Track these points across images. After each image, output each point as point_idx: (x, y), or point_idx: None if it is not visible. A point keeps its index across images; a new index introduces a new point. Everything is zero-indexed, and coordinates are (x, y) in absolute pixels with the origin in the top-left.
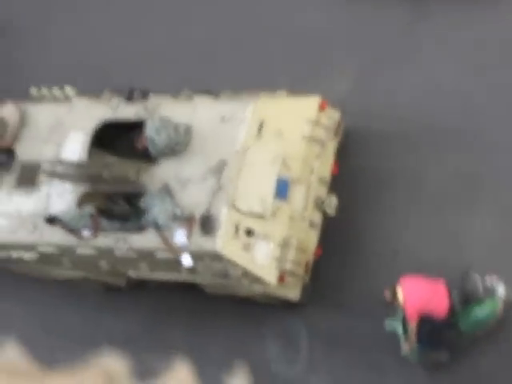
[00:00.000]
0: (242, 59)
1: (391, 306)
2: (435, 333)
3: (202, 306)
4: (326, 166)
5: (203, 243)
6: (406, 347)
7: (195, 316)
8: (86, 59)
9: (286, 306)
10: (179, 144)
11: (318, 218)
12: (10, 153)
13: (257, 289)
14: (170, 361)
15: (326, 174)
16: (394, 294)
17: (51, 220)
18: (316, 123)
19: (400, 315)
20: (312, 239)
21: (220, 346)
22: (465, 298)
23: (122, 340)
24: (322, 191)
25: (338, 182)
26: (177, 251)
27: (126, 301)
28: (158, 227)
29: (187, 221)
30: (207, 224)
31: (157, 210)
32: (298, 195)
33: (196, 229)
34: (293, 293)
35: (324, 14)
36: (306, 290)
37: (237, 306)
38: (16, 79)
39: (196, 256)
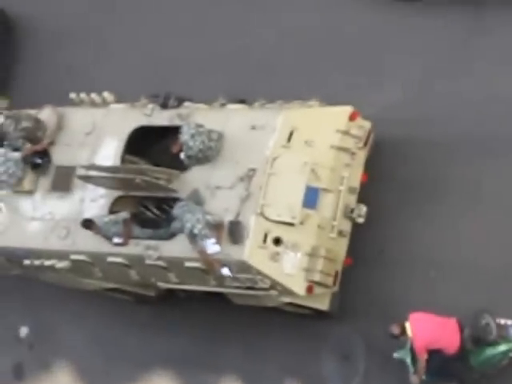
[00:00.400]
0: (285, 68)
1: (399, 339)
2: (445, 365)
3: (249, 320)
4: (355, 175)
5: (231, 252)
6: (415, 379)
7: (243, 331)
8: (137, 65)
9: (315, 315)
10: (212, 150)
11: (347, 226)
12: (45, 155)
13: (285, 299)
14: (221, 380)
15: (355, 183)
16: (403, 329)
17: (87, 224)
18: (345, 133)
19: (409, 346)
20: (341, 248)
21: (272, 363)
22: (477, 338)
23: (170, 358)
24: (352, 200)
25: (373, 191)
26: (215, 264)
27: (169, 315)
28: (194, 237)
29: (217, 228)
30: (235, 232)
31: (189, 220)
32: (327, 204)
33: (224, 236)
34: (322, 303)
35: (373, 23)
36: (336, 299)
37: (286, 318)
38: (73, 82)
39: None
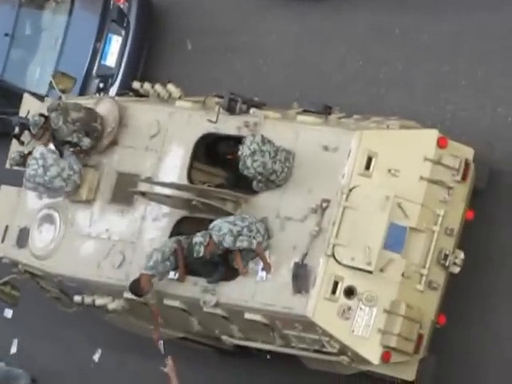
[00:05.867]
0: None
1: None
2: None
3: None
4: (454, 214)
5: (292, 304)
6: None
7: None
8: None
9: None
10: (276, 174)
11: (440, 277)
12: None
13: (360, 367)
14: None
15: (454, 223)
16: None
17: (136, 287)
18: (437, 162)
19: None
20: (431, 304)
21: None
22: None
23: None
24: (449, 244)
25: (479, 234)
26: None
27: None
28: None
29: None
30: (299, 277)
31: (223, 230)
32: (416, 247)
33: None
34: (406, 372)
35: None
36: (426, 366)
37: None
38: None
39: (285, 321)
